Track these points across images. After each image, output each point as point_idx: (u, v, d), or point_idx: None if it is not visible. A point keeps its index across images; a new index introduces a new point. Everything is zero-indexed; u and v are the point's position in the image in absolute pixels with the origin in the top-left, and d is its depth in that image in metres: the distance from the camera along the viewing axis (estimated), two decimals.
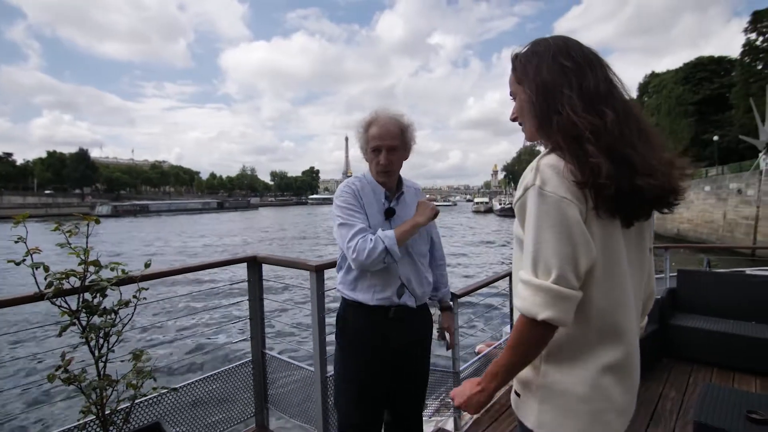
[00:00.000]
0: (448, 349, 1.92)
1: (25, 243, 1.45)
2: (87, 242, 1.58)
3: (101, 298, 1.58)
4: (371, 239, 1.49)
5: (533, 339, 0.85)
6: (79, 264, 1.53)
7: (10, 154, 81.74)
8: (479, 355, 3.77)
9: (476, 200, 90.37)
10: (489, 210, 75.68)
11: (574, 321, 0.86)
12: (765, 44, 30.39)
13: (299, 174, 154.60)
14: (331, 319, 2.14)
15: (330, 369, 2.15)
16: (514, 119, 1.05)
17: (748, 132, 27.35)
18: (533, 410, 0.93)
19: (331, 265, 2.12)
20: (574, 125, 0.84)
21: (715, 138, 31.63)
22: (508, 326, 3.16)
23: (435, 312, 1.89)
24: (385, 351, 1.65)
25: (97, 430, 1.65)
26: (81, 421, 1.60)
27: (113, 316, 1.58)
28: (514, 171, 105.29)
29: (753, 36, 31.15)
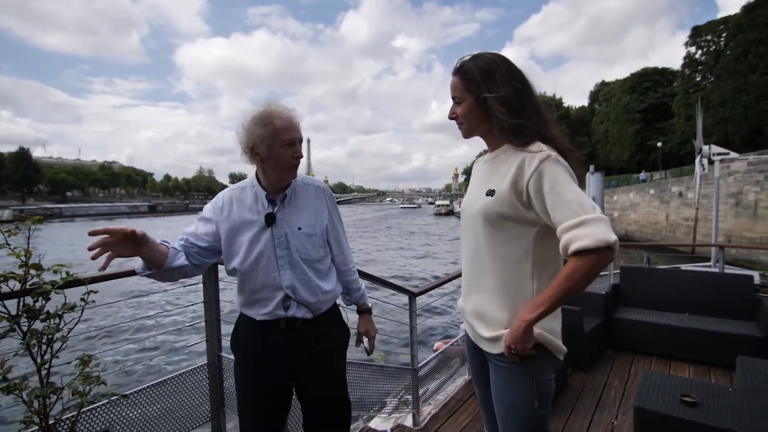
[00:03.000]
0: (368, 354, 1.81)
1: None
2: (28, 244, 1.51)
3: (44, 302, 1.51)
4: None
5: (606, 262, 1.01)
6: (20, 266, 1.46)
7: None
8: (437, 352, 3.86)
9: (437, 203, 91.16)
10: (449, 212, 76.23)
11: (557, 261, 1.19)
12: (703, 57, 32.67)
13: None
14: None
15: None
16: (453, 118, 1.27)
17: (688, 139, 29.38)
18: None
19: None
20: (544, 130, 1.17)
21: (659, 144, 33.80)
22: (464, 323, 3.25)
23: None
24: (279, 365, 1.55)
25: None
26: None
27: (57, 320, 1.52)
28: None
29: (692, 49, 33.55)
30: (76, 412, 1.58)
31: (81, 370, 1.52)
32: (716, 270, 4.90)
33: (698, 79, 33.18)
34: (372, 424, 2.77)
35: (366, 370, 2.60)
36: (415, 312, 2.88)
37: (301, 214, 1.57)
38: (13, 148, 79.51)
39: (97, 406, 1.79)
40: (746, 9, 27.35)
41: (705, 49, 32.55)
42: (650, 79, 41.23)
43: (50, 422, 1.53)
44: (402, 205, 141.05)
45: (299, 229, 1.54)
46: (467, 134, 1.28)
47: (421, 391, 3.04)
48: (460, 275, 3.55)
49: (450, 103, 1.26)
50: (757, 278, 5.88)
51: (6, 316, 1.44)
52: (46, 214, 59.61)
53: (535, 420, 1.19)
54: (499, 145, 1.26)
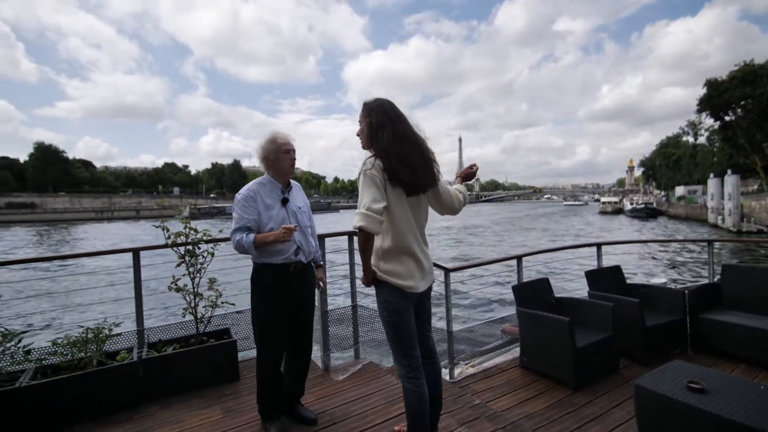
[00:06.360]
0: (320, 291, 2.62)
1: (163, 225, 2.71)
2: (189, 219, 2.79)
3: (196, 249, 2.76)
4: (239, 239, 2.22)
5: (362, 237, 1.76)
6: (184, 228, 2.74)
7: (186, 166, 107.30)
8: (506, 334, 4.29)
9: (603, 200, 76.55)
10: (618, 210, 65.06)
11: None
12: None
13: None
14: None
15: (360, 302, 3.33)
16: (358, 135, 1.95)
17: None
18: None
19: None
20: (386, 149, 1.81)
21: None
22: (514, 306, 3.65)
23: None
24: (288, 297, 2.33)
25: (192, 325, 2.85)
26: (183, 319, 2.82)
27: (202, 258, 2.76)
28: (653, 166, 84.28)
29: None
30: (211, 312, 2.80)
31: (209, 286, 2.73)
32: None
33: None
34: None
35: None
36: (449, 284, 3.48)
37: (297, 199, 2.48)
38: (230, 161, 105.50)
39: (223, 313, 3.01)
40: None
41: None
42: None
43: (198, 316, 2.79)
44: (566, 203, 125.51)
45: (299, 207, 2.45)
46: (363, 146, 1.95)
47: (462, 354, 3.59)
48: (495, 261, 3.95)
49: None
50: None
51: (180, 254, 2.73)
52: (213, 212, 67.77)
53: (388, 323, 1.92)
54: None
